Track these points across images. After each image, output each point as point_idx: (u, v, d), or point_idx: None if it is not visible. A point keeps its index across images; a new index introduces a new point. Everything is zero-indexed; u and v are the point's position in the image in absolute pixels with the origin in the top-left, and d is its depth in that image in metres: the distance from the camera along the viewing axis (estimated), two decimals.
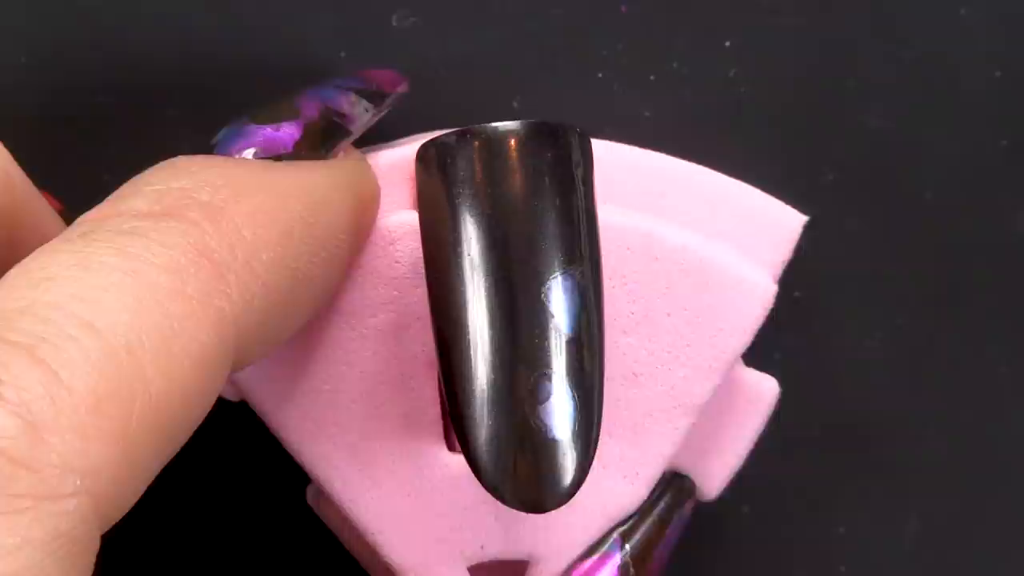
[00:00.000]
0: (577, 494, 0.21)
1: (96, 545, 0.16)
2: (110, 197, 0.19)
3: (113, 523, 0.17)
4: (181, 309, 0.17)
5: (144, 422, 0.16)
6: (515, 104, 0.28)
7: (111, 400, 0.16)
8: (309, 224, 0.21)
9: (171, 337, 0.17)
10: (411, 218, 0.23)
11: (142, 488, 0.17)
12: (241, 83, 0.28)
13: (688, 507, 0.26)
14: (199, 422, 0.18)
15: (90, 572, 0.16)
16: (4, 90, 0.28)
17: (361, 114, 0.24)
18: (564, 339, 0.21)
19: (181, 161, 0.20)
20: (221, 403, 0.24)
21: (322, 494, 0.26)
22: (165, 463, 0.17)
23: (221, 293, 0.18)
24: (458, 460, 0.24)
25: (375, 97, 0.24)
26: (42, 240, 0.18)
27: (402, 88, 0.26)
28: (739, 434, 0.26)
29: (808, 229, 0.26)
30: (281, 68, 0.28)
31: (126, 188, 0.20)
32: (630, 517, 0.25)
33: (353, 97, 0.24)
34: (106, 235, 0.18)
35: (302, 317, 0.21)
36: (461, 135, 0.21)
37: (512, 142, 0.21)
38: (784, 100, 0.28)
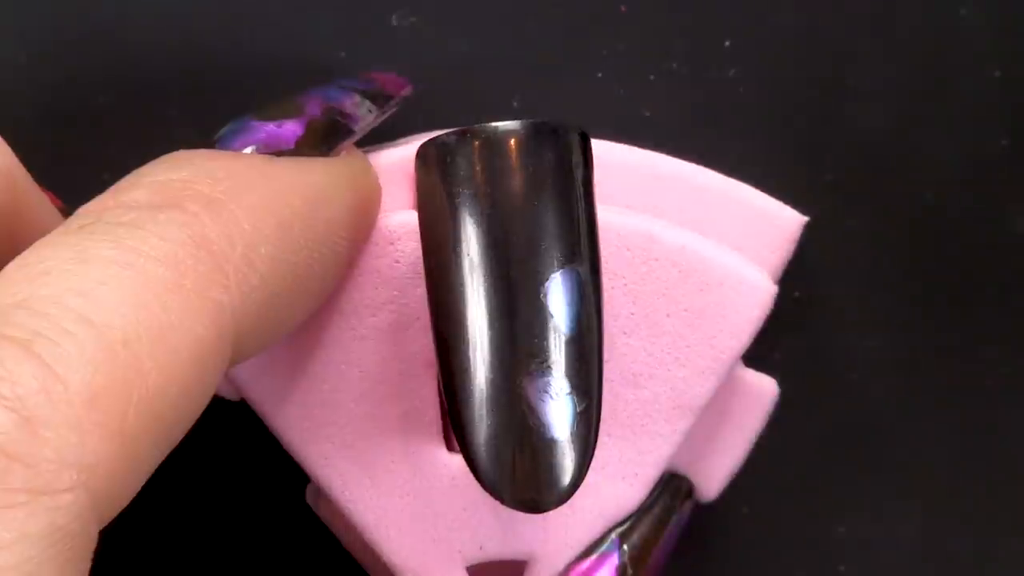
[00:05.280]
0: (576, 494, 0.21)
1: (93, 541, 0.16)
2: (111, 188, 0.19)
3: (111, 518, 0.17)
4: (179, 302, 0.17)
5: (141, 416, 0.16)
6: (515, 104, 0.28)
7: (107, 394, 0.16)
8: (309, 219, 0.21)
9: (168, 330, 0.17)
10: (411, 218, 0.23)
11: (140, 483, 0.17)
12: (241, 83, 0.28)
13: (687, 508, 0.26)
14: (197, 416, 0.18)
15: (87, 567, 0.16)
16: (4, 90, 0.28)
17: (364, 115, 0.24)
18: (563, 339, 0.21)
19: (182, 154, 0.21)
20: (221, 403, 0.24)
21: (322, 494, 0.26)
22: (163, 457, 0.17)
23: (219, 285, 0.18)
24: (457, 460, 0.24)
25: (379, 99, 0.24)
26: (43, 236, 0.18)
27: (406, 92, 0.26)
28: (738, 434, 0.26)
29: (808, 229, 0.26)
30: (281, 68, 0.28)
31: (126, 180, 0.20)
32: (628, 518, 0.25)
33: (357, 98, 0.24)
34: (104, 228, 0.18)
35: (300, 313, 0.21)
36: (461, 135, 0.21)
37: (512, 142, 0.21)
38: (784, 100, 0.28)
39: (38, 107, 0.28)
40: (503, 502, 0.21)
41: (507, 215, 0.21)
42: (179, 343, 0.17)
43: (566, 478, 0.21)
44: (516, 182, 0.21)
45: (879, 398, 0.29)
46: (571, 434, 0.21)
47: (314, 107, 0.23)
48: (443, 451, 0.25)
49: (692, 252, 0.24)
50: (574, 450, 0.21)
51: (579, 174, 0.21)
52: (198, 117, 0.28)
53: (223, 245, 0.19)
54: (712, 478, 0.27)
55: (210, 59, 0.28)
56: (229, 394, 0.25)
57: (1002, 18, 0.28)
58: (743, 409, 0.26)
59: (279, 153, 0.22)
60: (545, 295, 0.21)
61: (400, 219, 0.24)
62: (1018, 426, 0.29)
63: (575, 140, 0.21)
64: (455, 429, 0.21)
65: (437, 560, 0.25)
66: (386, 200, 0.24)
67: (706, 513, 0.27)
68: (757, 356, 0.26)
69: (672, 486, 0.26)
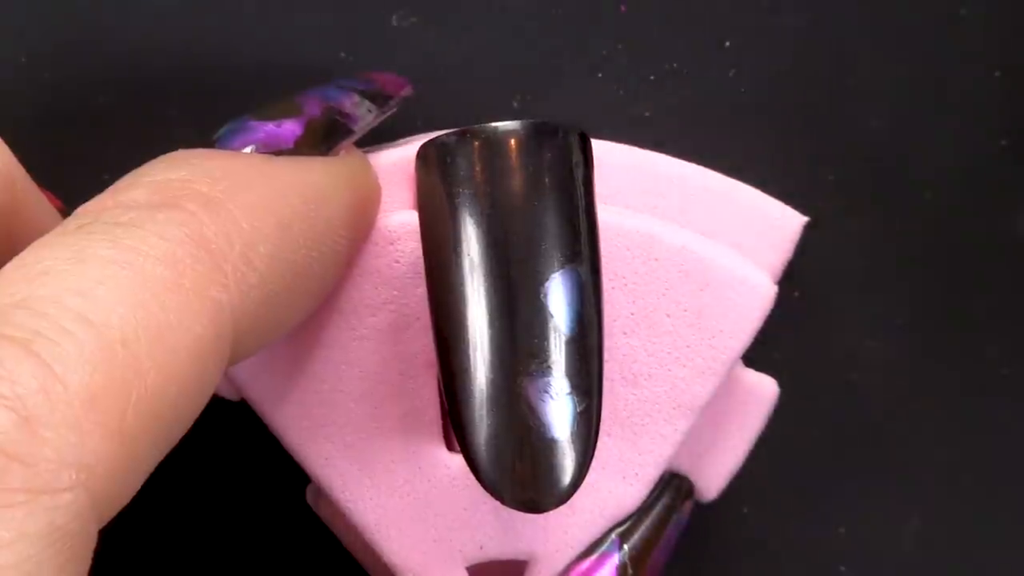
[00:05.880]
0: (576, 494, 0.21)
1: (93, 540, 0.16)
2: (109, 188, 0.19)
3: (110, 518, 0.17)
4: (177, 301, 0.17)
5: (140, 416, 0.16)
6: (515, 104, 0.28)
7: (106, 394, 0.16)
8: (308, 219, 0.21)
9: (167, 329, 0.17)
10: (411, 218, 0.23)
11: (139, 482, 0.17)
12: (241, 83, 0.28)
13: (687, 507, 0.26)
14: (196, 415, 0.18)
15: (87, 567, 0.16)
16: (4, 90, 0.28)
17: (364, 115, 0.24)
18: (563, 339, 0.21)
19: (180, 154, 0.21)
20: (221, 403, 0.24)
21: (322, 494, 0.26)
22: (162, 457, 0.17)
23: (218, 284, 0.18)
24: (457, 460, 0.24)
25: (378, 99, 0.24)
26: (41, 237, 0.18)
27: (406, 92, 0.26)
28: (739, 435, 0.26)
29: (808, 229, 0.26)
30: (281, 68, 0.28)
31: (125, 180, 0.20)
32: (629, 517, 0.25)
33: (356, 97, 0.24)
34: (102, 227, 0.18)
35: (299, 312, 0.21)
36: (461, 135, 0.21)
37: (512, 142, 0.21)
38: (784, 100, 0.28)
39: (38, 107, 0.28)
40: (503, 502, 0.21)
41: (507, 215, 0.21)
42: (178, 342, 0.17)
43: (566, 478, 0.21)
44: (516, 182, 0.21)
45: (879, 398, 0.29)
46: (571, 434, 0.21)
47: (313, 107, 0.23)
48: (443, 451, 0.25)
49: (692, 252, 0.24)
50: (574, 450, 0.21)
51: (579, 174, 0.21)
52: (198, 117, 0.28)
53: (221, 244, 0.19)
54: (712, 478, 0.27)
55: (210, 59, 0.28)
56: (229, 394, 0.25)
57: (1002, 18, 0.28)
58: (743, 409, 0.26)
59: (278, 153, 0.22)
60: (545, 295, 0.21)
61: (400, 219, 0.24)
62: (1018, 426, 0.29)
63: (575, 140, 0.21)
64: (455, 429, 0.21)
65: (437, 560, 0.25)
66: (386, 200, 0.24)
67: (706, 513, 0.27)
68: (757, 356, 0.26)
69: (672, 486, 0.26)
